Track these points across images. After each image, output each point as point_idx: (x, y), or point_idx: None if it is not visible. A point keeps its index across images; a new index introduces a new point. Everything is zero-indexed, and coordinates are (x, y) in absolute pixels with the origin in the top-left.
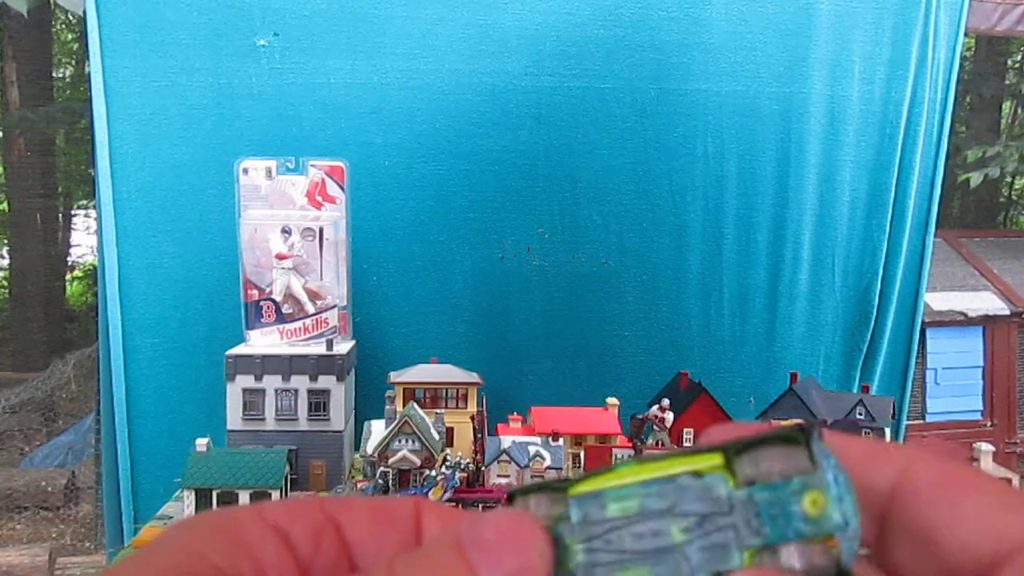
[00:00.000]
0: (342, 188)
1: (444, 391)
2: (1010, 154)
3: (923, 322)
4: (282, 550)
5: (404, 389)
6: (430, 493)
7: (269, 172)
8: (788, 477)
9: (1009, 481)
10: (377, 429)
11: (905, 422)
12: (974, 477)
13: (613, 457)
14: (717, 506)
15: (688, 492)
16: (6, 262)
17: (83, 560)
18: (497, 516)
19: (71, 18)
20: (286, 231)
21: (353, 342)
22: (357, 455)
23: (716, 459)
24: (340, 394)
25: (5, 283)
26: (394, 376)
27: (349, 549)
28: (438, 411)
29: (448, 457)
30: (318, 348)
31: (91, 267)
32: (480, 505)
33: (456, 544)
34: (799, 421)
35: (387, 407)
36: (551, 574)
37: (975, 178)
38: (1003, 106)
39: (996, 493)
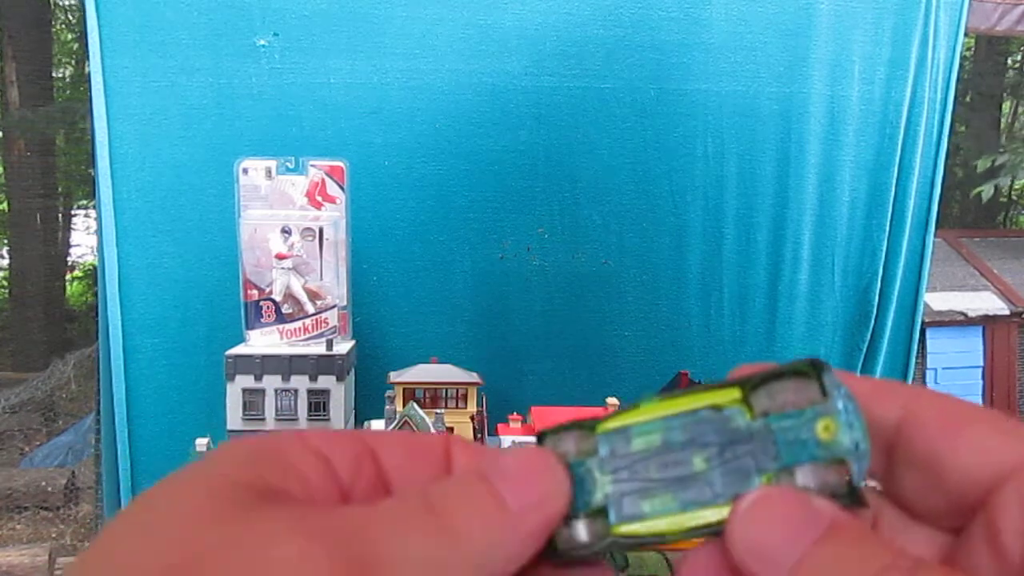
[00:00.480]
0: (342, 188)
1: (444, 391)
2: (1020, 161)
3: (923, 322)
4: (325, 473)
5: (404, 389)
6: None
7: (269, 172)
8: (802, 407)
9: None
10: (377, 429)
11: None
12: (974, 409)
13: None
14: (736, 436)
15: (709, 424)
16: (6, 262)
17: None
18: (519, 451)
19: (71, 18)
20: (286, 231)
21: (353, 342)
22: None
23: (734, 393)
24: (340, 394)
25: (5, 283)
26: (394, 376)
27: (385, 476)
28: (438, 411)
29: None
30: (318, 348)
31: (91, 267)
32: None
33: (483, 475)
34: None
35: (387, 407)
36: (570, 502)
37: (987, 191)
38: (1003, 106)
39: (995, 421)
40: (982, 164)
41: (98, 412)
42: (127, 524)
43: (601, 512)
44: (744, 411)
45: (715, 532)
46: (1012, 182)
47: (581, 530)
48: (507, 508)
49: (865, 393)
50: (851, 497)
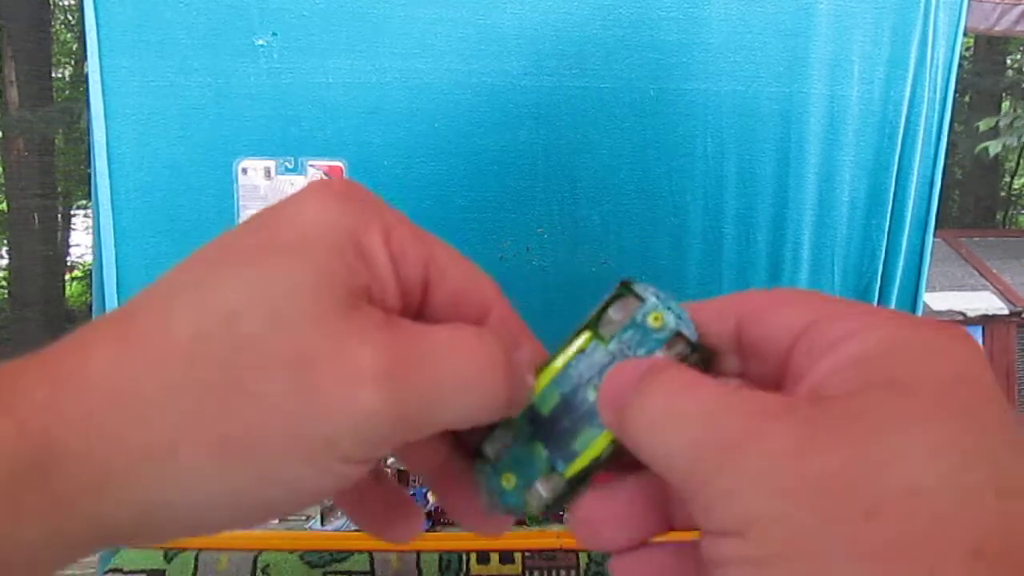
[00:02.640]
0: None
1: None
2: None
3: None
4: (395, 280)
5: None
6: (429, 494)
7: (268, 172)
8: (633, 315)
9: None
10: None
11: None
12: (792, 294)
13: None
14: (605, 361)
15: (584, 365)
16: (5, 262)
17: (82, 560)
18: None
19: (70, 18)
20: None
21: None
22: None
23: (587, 335)
24: None
25: (5, 283)
26: None
27: (434, 297)
28: None
29: None
30: None
31: (90, 267)
32: None
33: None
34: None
35: None
36: (527, 475)
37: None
38: (1002, 105)
39: (801, 298)
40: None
41: None
42: (246, 301)
43: (550, 470)
44: (599, 343)
45: None
46: (1011, 181)
47: (542, 489)
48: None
49: (708, 308)
50: (700, 355)
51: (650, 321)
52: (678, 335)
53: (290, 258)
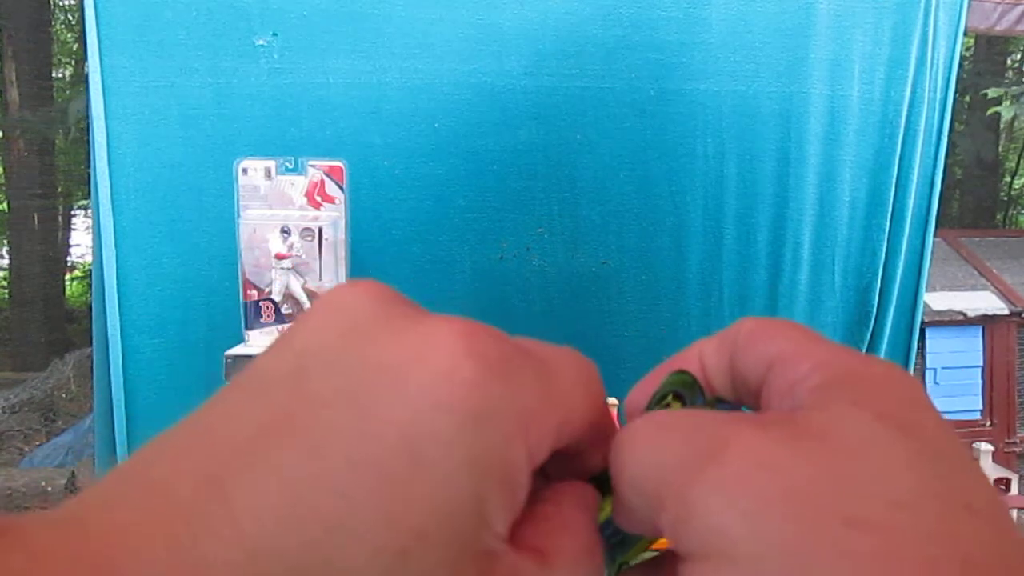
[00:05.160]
0: (341, 188)
1: None
2: None
3: (922, 322)
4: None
5: None
6: None
7: (268, 172)
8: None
9: (1008, 481)
10: None
11: None
12: (772, 326)
13: None
14: None
15: None
16: (6, 262)
17: None
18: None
19: (71, 18)
20: (285, 231)
21: None
22: None
23: None
24: None
25: (5, 283)
26: None
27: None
28: None
29: None
30: None
31: (90, 267)
32: None
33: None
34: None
35: None
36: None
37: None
38: (1002, 105)
39: (777, 330)
40: (994, 92)
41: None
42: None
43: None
44: None
45: None
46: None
47: None
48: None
49: (713, 340)
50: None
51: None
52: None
53: (441, 488)
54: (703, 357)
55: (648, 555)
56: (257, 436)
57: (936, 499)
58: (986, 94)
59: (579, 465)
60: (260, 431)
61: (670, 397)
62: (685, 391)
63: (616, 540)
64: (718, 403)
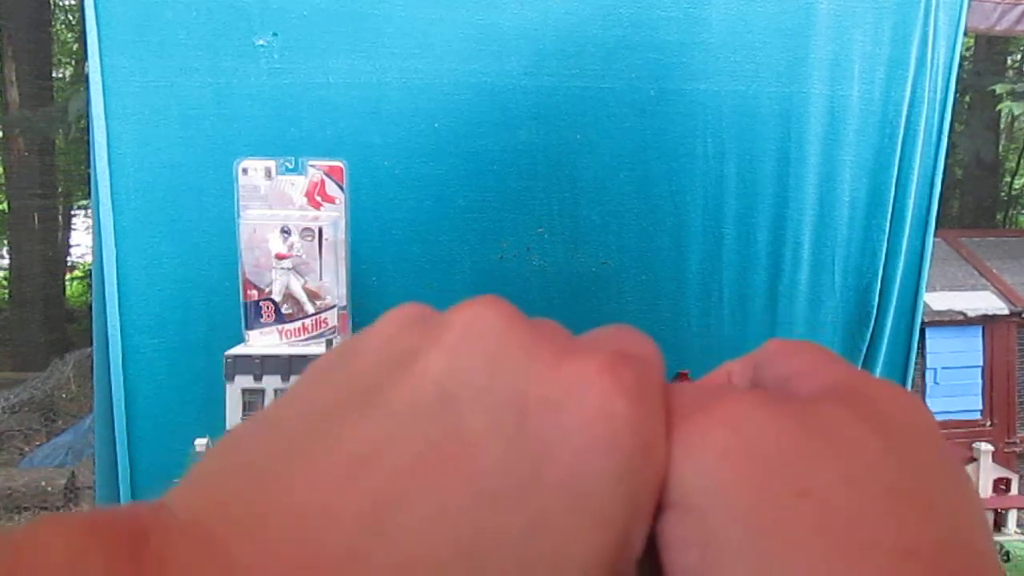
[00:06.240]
0: (341, 188)
1: None
2: None
3: (922, 322)
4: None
5: None
6: None
7: (268, 172)
8: None
9: (1008, 481)
10: None
11: None
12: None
13: None
14: None
15: None
16: (6, 262)
17: None
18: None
19: (71, 18)
20: (285, 231)
21: None
22: None
23: None
24: None
25: (5, 283)
26: None
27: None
28: None
29: None
30: (318, 348)
31: (90, 267)
32: None
33: None
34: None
35: None
36: None
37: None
38: (1002, 104)
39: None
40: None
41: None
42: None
43: None
44: None
45: None
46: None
47: None
48: None
49: (740, 361)
50: None
51: None
52: None
53: (602, 531)
54: (731, 375)
55: None
56: (414, 470)
57: (894, 489)
58: (993, 91)
59: None
60: (417, 463)
61: None
62: None
63: None
64: None
